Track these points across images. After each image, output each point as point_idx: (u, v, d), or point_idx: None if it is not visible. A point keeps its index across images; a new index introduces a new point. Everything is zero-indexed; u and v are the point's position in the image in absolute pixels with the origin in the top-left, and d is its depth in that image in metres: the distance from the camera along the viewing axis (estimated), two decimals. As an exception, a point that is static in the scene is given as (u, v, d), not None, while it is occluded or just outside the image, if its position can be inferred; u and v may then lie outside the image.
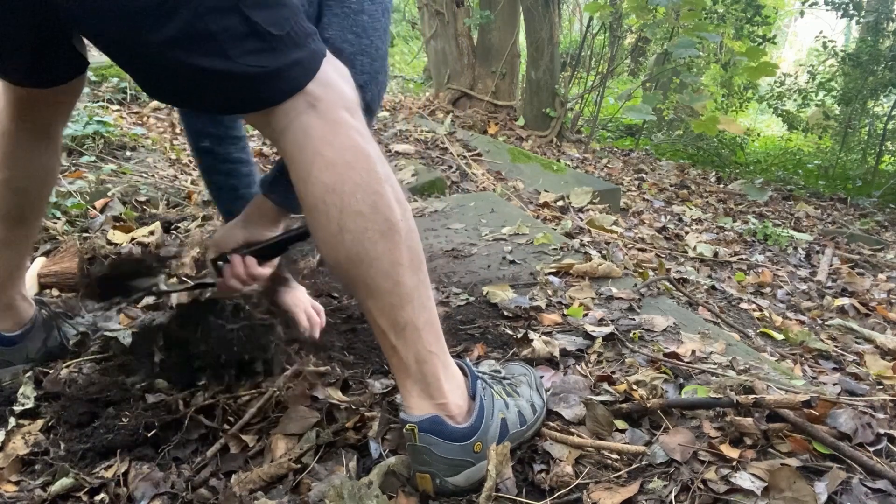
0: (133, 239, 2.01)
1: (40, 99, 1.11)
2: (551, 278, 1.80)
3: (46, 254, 1.83)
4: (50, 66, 1.04)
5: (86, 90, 3.38)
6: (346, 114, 0.91)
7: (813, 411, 1.05)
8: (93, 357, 1.32)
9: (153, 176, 2.59)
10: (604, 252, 2.35)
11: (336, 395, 1.17)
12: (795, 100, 8.12)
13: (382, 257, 0.90)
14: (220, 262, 1.17)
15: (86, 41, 1.06)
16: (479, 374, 1.04)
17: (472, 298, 1.66)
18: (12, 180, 1.15)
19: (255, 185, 1.37)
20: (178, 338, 1.19)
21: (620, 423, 1.09)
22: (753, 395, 1.04)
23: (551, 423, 1.09)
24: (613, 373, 1.27)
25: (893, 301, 2.81)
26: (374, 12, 1.13)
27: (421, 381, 0.94)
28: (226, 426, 1.11)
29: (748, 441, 1.02)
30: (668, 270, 2.63)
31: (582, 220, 3.32)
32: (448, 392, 0.95)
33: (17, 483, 0.99)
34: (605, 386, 1.20)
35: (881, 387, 1.63)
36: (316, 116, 0.88)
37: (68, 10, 0.84)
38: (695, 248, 3.28)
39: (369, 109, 1.11)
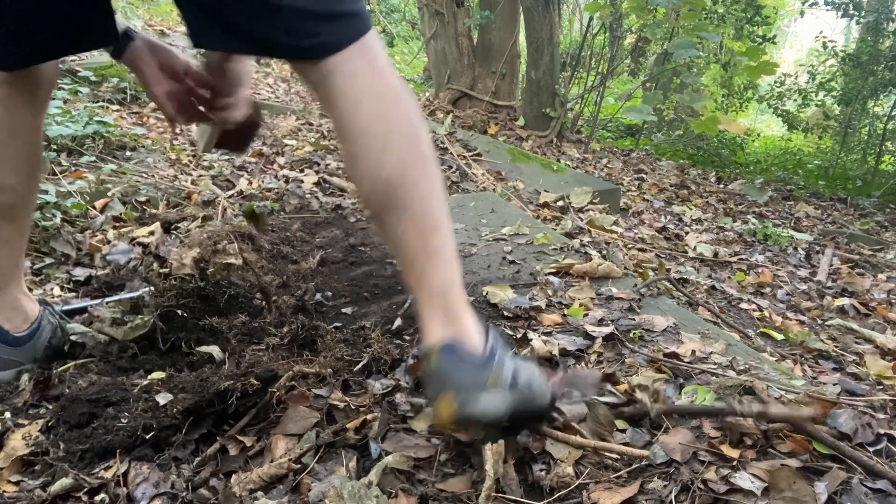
0: (133, 239, 2.01)
1: (41, 76, 1.13)
2: (551, 278, 1.80)
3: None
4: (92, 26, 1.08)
5: (85, 90, 3.38)
6: (387, 61, 1.03)
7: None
8: (90, 358, 1.32)
9: (153, 176, 2.59)
10: (604, 252, 2.35)
11: (336, 395, 1.17)
12: (795, 100, 8.11)
13: (420, 182, 0.99)
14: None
15: None
16: (498, 333, 1.07)
17: (472, 298, 1.66)
18: None
19: None
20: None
21: (620, 423, 1.09)
22: (759, 408, 1.03)
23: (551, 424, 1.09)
24: (614, 373, 1.27)
25: (893, 301, 2.81)
26: None
27: (444, 307, 0.98)
28: (225, 427, 1.11)
29: (748, 441, 1.02)
30: (668, 270, 2.63)
31: (582, 220, 3.32)
32: (466, 322, 0.99)
33: (17, 483, 0.99)
34: (607, 387, 1.20)
35: (881, 387, 1.63)
36: (366, 63, 0.99)
37: None
38: (695, 248, 3.28)
39: None
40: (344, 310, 1.61)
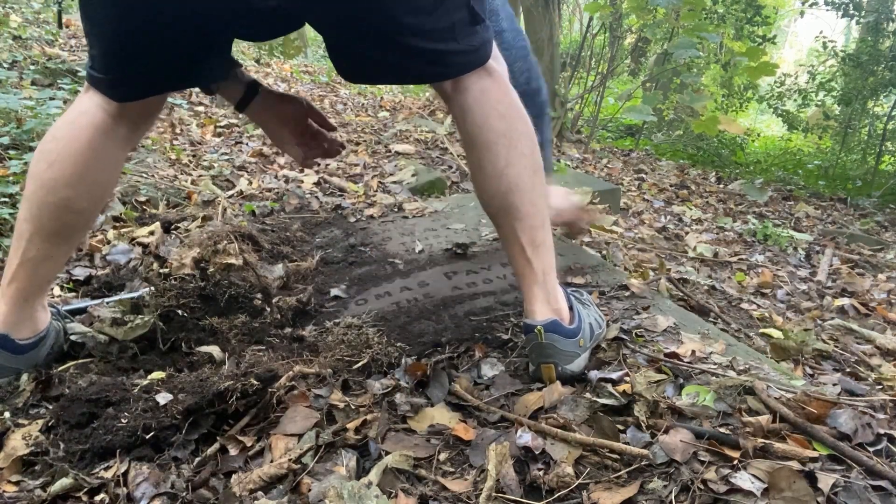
0: (133, 239, 2.01)
1: (145, 112, 1.21)
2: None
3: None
4: (215, 63, 1.21)
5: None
6: (508, 82, 1.19)
7: (813, 411, 1.05)
8: (90, 358, 1.32)
9: (153, 176, 2.59)
10: (604, 252, 2.36)
11: (336, 395, 1.17)
12: (795, 100, 8.13)
13: (533, 189, 1.16)
14: None
15: None
16: (570, 292, 1.31)
17: (472, 298, 1.65)
18: (74, 200, 1.16)
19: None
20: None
21: (620, 424, 1.09)
22: (763, 441, 1.00)
23: (551, 423, 1.09)
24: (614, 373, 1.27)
25: (893, 301, 2.81)
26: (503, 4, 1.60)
27: (544, 289, 1.19)
28: (225, 427, 1.11)
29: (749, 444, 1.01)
30: (669, 270, 2.63)
31: (582, 220, 3.31)
32: (560, 300, 1.22)
33: (17, 483, 0.99)
34: (609, 388, 1.20)
35: (881, 387, 1.63)
36: (492, 81, 1.16)
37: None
38: (695, 248, 3.28)
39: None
40: (345, 309, 1.61)
